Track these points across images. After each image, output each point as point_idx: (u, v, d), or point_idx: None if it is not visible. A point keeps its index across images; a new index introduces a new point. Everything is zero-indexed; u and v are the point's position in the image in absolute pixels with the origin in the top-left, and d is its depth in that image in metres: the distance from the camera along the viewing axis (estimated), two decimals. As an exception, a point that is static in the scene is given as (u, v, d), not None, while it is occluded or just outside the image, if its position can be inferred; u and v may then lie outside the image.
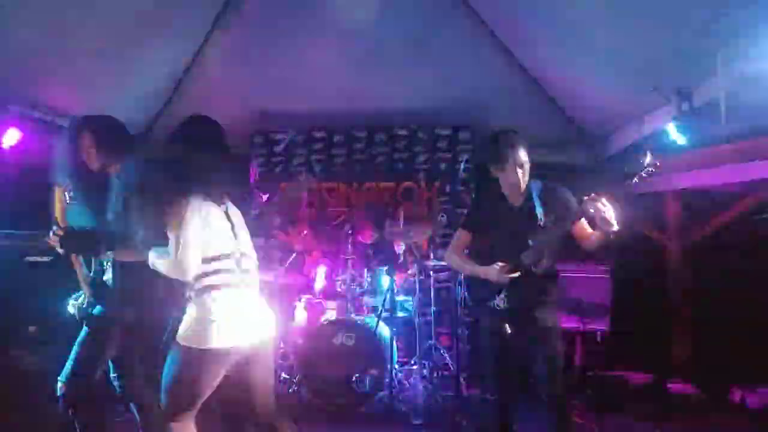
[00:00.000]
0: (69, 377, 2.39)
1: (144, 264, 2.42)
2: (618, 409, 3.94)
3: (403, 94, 4.88)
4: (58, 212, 2.40)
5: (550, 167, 4.70)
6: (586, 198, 2.43)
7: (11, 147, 3.53)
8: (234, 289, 2.12)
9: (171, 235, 2.07)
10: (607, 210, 2.38)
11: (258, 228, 4.80)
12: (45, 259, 3.12)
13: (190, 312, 2.09)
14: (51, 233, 2.34)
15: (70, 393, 2.37)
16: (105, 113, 2.61)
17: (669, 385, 4.24)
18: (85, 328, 2.47)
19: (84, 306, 2.48)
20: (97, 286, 2.47)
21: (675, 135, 3.71)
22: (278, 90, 4.84)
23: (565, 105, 4.89)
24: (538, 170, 2.79)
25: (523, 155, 2.64)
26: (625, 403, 4.01)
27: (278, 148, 5.32)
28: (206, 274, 2.08)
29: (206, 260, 2.08)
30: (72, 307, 2.52)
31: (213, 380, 2.08)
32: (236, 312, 2.10)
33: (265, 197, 3.87)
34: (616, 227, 2.41)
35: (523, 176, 2.66)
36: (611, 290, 4.53)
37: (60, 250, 2.37)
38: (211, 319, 2.03)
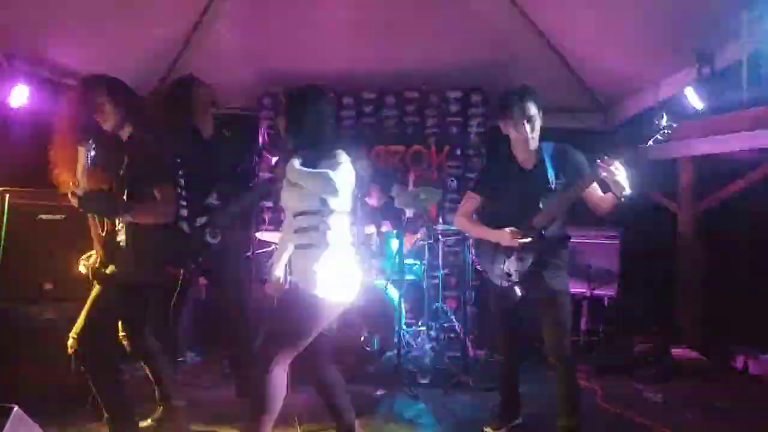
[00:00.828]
0: (80, 334, 2.43)
1: (156, 226, 2.44)
2: (623, 372, 4.00)
3: (414, 57, 4.78)
4: (79, 172, 2.40)
5: (563, 132, 4.65)
6: (598, 162, 2.41)
7: (20, 105, 3.51)
8: None
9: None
10: (620, 173, 2.36)
11: (269, 190, 4.84)
12: (58, 217, 3.14)
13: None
14: (71, 193, 2.35)
15: (81, 350, 2.42)
16: (112, 73, 2.59)
17: (673, 351, 4.29)
18: (97, 287, 2.50)
19: (96, 265, 2.51)
20: (109, 246, 2.49)
21: (693, 100, 3.63)
22: (288, 51, 4.75)
23: (579, 68, 4.79)
24: (550, 135, 2.76)
25: (532, 108, 2.60)
26: (629, 367, 4.05)
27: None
28: None
29: None
30: (83, 266, 2.56)
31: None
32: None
33: (274, 159, 3.85)
34: (628, 190, 2.39)
35: (532, 131, 2.62)
36: (620, 256, 4.54)
37: (79, 210, 2.39)
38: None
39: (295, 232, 2.35)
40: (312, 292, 2.24)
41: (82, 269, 2.55)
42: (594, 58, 4.53)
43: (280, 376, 2.23)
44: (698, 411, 3.32)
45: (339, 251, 2.32)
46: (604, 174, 2.37)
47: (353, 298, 2.39)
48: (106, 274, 2.47)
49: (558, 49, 4.65)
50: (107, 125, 2.50)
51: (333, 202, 2.30)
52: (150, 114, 2.70)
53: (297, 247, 2.38)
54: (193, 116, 3.12)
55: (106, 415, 2.50)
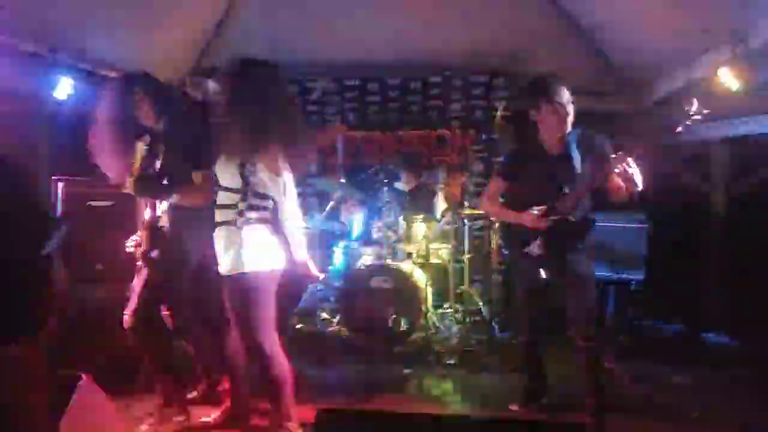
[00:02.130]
0: (134, 311, 2.62)
1: (194, 211, 2.58)
2: (650, 356, 3.99)
3: (438, 41, 4.79)
4: (137, 162, 2.56)
5: (590, 115, 4.60)
6: (614, 156, 2.44)
7: (66, 98, 3.68)
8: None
9: (272, 182, 2.31)
10: (633, 170, 2.39)
11: (295, 177, 4.92)
12: (106, 203, 3.35)
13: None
14: (127, 179, 2.54)
15: (135, 325, 2.61)
16: (142, 64, 2.73)
17: (703, 335, 4.26)
18: (145, 269, 2.67)
19: (143, 249, 2.69)
20: (154, 230, 2.67)
21: (727, 80, 3.56)
22: (313, 38, 4.81)
23: (607, 49, 4.71)
24: (577, 118, 2.76)
25: (563, 97, 2.61)
26: (657, 351, 4.05)
27: (312, 97, 5.34)
28: None
29: None
30: (132, 248, 2.73)
31: None
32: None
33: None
34: (639, 188, 2.42)
35: (559, 121, 2.63)
36: (648, 240, 4.51)
37: (133, 193, 2.58)
38: None
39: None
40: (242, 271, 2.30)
41: (130, 250, 2.72)
42: (623, 39, 4.46)
43: (280, 355, 2.37)
44: (726, 394, 3.32)
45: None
46: (618, 170, 2.40)
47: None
48: (151, 256, 2.63)
49: (585, 29, 4.58)
50: (146, 121, 2.65)
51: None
52: (184, 104, 2.82)
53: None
54: None
55: (157, 385, 2.69)
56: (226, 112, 2.30)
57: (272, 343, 2.37)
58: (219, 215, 2.37)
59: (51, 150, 3.88)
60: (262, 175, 2.32)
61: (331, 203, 4.52)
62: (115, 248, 2.83)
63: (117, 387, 2.70)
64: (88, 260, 3.39)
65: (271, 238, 2.37)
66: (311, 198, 5.21)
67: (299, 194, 5.68)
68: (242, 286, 2.31)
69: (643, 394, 3.32)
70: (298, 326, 4.40)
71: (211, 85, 2.45)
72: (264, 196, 2.34)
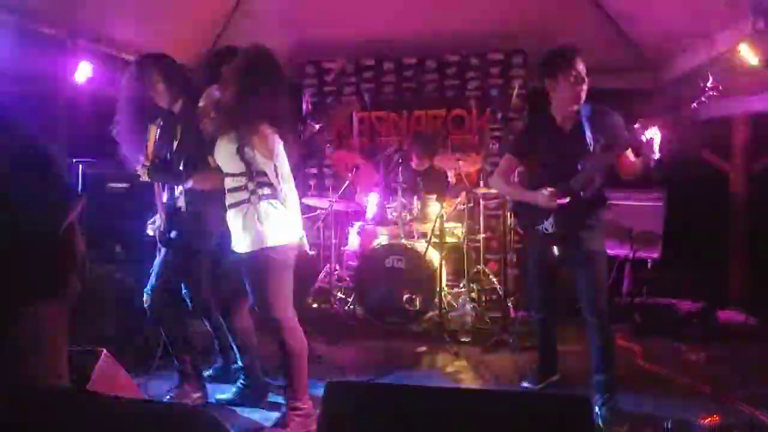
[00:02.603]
0: (153, 290, 2.70)
1: (211, 193, 2.65)
2: (665, 334, 3.98)
3: (455, 19, 4.74)
4: (150, 146, 2.62)
5: (609, 92, 4.54)
6: (636, 125, 2.41)
7: (85, 81, 3.75)
8: None
9: (266, 167, 2.36)
10: (655, 138, 2.37)
11: (311, 157, 4.96)
12: (124, 185, 3.43)
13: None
14: (141, 165, 2.61)
15: (156, 304, 2.70)
16: (162, 45, 2.77)
17: (720, 314, 4.24)
18: (163, 249, 2.75)
19: (162, 230, 2.76)
20: (172, 212, 2.74)
21: (747, 55, 3.48)
22: (328, 18, 4.81)
23: (626, 25, 4.62)
24: (594, 95, 2.74)
25: (578, 68, 2.59)
26: (672, 328, 4.03)
27: (329, 78, 5.35)
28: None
29: None
30: (151, 229, 2.81)
31: None
32: None
33: (317, 127, 3.96)
34: (657, 156, 2.40)
35: (576, 92, 2.60)
36: (665, 218, 4.47)
37: (147, 179, 2.65)
38: None
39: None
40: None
41: (149, 232, 2.81)
42: (641, 14, 4.37)
43: (297, 329, 2.48)
44: (741, 371, 3.32)
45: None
46: (640, 137, 2.38)
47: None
48: (170, 237, 2.71)
49: (603, 6, 4.50)
50: (162, 102, 2.70)
51: None
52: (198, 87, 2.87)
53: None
54: None
55: (175, 363, 2.78)
56: (226, 98, 2.38)
57: (291, 317, 2.47)
58: (231, 198, 2.45)
59: (71, 132, 3.97)
60: (258, 157, 2.39)
61: (346, 183, 4.56)
62: (133, 229, 2.91)
63: (136, 365, 2.80)
64: (106, 242, 3.48)
65: (285, 211, 2.45)
66: (328, 178, 5.26)
67: (314, 175, 5.71)
68: (264, 261, 2.39)
69: (654, 371, 3.33)
70: (314, 305, 4.49)
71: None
72: (266, 174, 2.42)
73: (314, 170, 5.30)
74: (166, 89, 2.70)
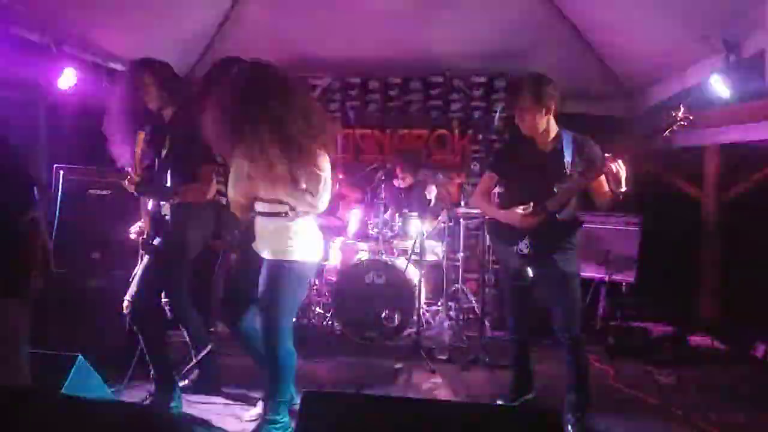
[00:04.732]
0: (134, 297, 2.67)
1: (198, 202, 2.66)
2: (637, 357, 4.05)
3: (440, 42, 4.85)
4: (137, 156, 2.60)
5: (587, 118, 4.67)
6: (605, 156, 2.51)
7: (69, 88, 3.73)
8: None
9: (312, 176, 2.35)
10: (621, 171, 2.45)
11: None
12: (106, 192, 3.40)
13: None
14: (128, 177, 2.59)
15: (135, 311, 2.67)
16: (150, 57, 2.77)
17: (691, 338, 4.33)
18: (147, 257, 2.74)
19: (146, 237, 2.75)
20: (157, 220, 2.73)
21: (718, 88, 3.63)
22: (316, 36, 4.87)
23: (605, 54, 4.78)
24: (574, 121, 2.83)
25: (523, 100, 2.68)
26: (645, 351, 4.10)
27: (314, 94, 5.40)
28: None
29: None
30: (133, 236, 2.79)
31: None
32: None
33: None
34: (624, 189, 2.49)
35: (522, 121, 2.71)
36: (640, 243, 4.57)
37: (134, 192, 2.64)
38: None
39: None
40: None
41: (132, 236, 2.79)
42: (620, 45, 4.52)
43: (290, 339, 2.51)
44: (711, 394, 3.39)
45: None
46: (607, 170, 2.48)
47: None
48: (154, 244, 2.70)
49: (584, 35, 4.65)
50: (152, 105, 2.70)
51: None
52: (189, 96, 2.88)
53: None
54: None
55: (152, 372, 2.75)
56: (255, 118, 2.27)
57: (290, 328, 2.52)
58: (269, 208, 2.45)
59: (52, 138, 3.93)
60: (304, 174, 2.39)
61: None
62: (111, 237, 2.88)
63: (112, 373, 2.77)
64: (85, 249, 3.43)
65: (317, 231, 2.53)
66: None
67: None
68: (287, 272, 2.42)
69: (626, 392, 3.39)
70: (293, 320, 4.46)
71: None
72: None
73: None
74: (158, 92, 2.69)
